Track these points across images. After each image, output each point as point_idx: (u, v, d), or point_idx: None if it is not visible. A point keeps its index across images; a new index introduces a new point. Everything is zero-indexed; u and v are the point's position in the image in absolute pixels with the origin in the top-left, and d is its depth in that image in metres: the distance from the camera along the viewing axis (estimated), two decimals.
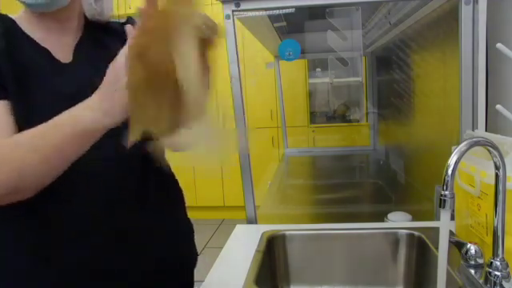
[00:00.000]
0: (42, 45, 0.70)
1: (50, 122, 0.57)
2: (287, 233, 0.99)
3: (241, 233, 1.07)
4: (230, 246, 0.98)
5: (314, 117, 3.68)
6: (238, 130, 1.14)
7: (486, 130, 0.98)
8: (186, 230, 0.88)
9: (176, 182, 0.87)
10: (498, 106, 0.87)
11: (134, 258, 0.72)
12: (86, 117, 0.56)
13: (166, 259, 0.78)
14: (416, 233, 0.93)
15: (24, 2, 0.67)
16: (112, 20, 0.83)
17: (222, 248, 0.96)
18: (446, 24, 1.21)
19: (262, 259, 0.87)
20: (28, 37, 0.69)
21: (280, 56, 1.36)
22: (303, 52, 2.48)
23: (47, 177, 0.59)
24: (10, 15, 0.71)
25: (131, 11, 3.37)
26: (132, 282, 0.72)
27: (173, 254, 0.80)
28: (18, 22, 0.70)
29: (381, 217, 1.15)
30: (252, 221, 1.14)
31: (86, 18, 0.78)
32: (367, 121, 2.80)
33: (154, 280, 0.76)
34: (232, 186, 3.69)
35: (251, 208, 1.15)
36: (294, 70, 3.52)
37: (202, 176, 3.59)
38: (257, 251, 0.90)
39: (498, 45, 0.85)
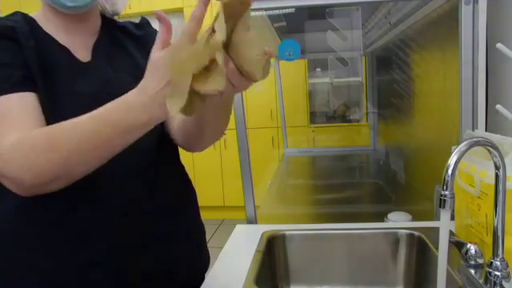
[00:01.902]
0: (62, 44, 0.71)
1: (100, 109, 0.58)
2: (287, 233, 0.99)
3: (241, 233, 1.07)
4: (230, 245, 0.98)
5: (314, 117, 3.68)
6: (238, 130, 1.14)
7: (486, 130, 0.98)
8: (198, 232, 0.87)
9: (189, 182, 0.88)
10: (498, 106, 0.87)
11: (145, 259, 0.72)
12: (137, 102, 0.58)
13: (178, 261, 0.78)
14: (416, 233, 0.93)
15: (60, 4, 0.68)
16: (125, 21, 0.84)
17: (222, 248, 0.96)
18: (446, 24, 1.21)
19: (262, 259, 0.87)
20: (49, 36, 0.70)
21: (280, 56, 1.36)
22: (303, 52, 2.48)
23: (90, 166, 0.60)
24: (31, 14, 0.73)
25: (131, 11, 3.37)
26: (143, 283, 0.72)
27: (185, 255, 0.80)
28: (37, 20, 0.71)
29: (381, 217, 1.15)
30: (252, 221, 1.14)
31: (102, 18, 0.78)
32: (367, 121, 2.80)
33: (166, 282, 0.76)
34: (232, 186, 3.69)
35: (251, 208, 1.15)
36: (294, 70, 3.52)
37: (202, 176, 3.60)
38: (257, 251, 0.90)
39: (498, 45, 0.85)
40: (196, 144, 0.79)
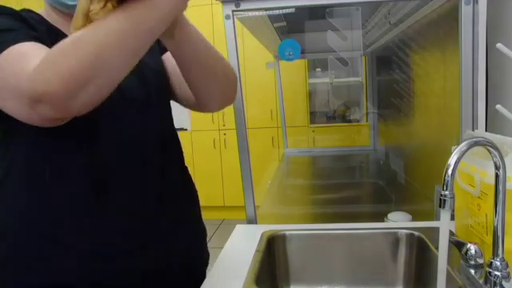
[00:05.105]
0: None
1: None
2: (287, 233, 0.99)
3: (241, 233, 1.07)
4: (230, 245, 0.98)
5: (313, 117, 3.68)
6: (238, 130, 1.14)
7: (486, 130, 0.98)
8: (199, 232, 0.88)
9: (192, 184, 0.89)
10: (498, 106, 0.87)
11: (145, 257, 0.73)
12: None
13: (178, 260, 0.79)
14: (416, 233, 0.93)
15: (61, 3, 0.69)
16: None
17: (222, 248, 0.96)
18: (446, 24, 1.21)
19: (262, 259, 0.87)
20: (57, 28, 0.71)
21: (280, 56, 1.36)
22: (303, 52, 2.48)
23: (118, 69, 0.56)
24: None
25: None
26: (143, 281, 0.73)
27: (185, 255, 0.81)
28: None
29: (381, 217, 1.15)
30: (252, 221, 1.14)
31: None
32: (367, 121, 2.80)
33: (165, 281, 0.76)
34: (232, 186, 3.69)
35: (251, 208, 1.15)
36: (294, 70, 3.52)
37: (202, 176, 3.60)
38: (257, 251, 0.90)
39: (498, 45, 0.85)
40: (203, 96, 0.78)
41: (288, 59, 1.36)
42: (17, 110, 0.58)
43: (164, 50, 0.83)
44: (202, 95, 0.78)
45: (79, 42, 0.53)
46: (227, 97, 0.81)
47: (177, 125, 0.87)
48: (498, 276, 0.62)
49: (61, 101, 0.52)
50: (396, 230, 0.96)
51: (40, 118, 0.55)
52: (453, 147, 0.64)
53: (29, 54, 0.58)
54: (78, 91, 0.52)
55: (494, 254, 0.63)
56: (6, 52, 0.58)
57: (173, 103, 0.87)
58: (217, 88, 0.78)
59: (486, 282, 0.64)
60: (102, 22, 0.54)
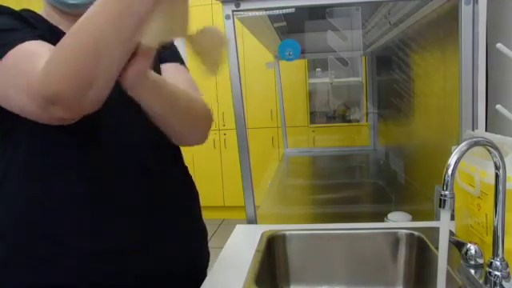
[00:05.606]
0: None
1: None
2: (287, 233, 0.99)
3: (241, 233, 1.07)
4: (230, 246, 0.98)
5: (313, 117, 3.68)
6: (238, 130, 1.14)
7: (486, 130, 0.98)
8: (199, 232, 0.88)
9: (192, 183, 0.89)
10: (498, 106, 0.87)
11: (145, 258, 0.73)
12: None
13: (178, 261, 0.79)
14: (416, 233, 0.93)
15: (62, 2, 0.69)
16: None
17: (222, 248, 0.96)
18: (446, 24, 1.21)
19: (262, 259, 0.87)
20: (58, 28, 0.71)
21: (280, 56, 1.36)
22: (303, 52, 2.48)
23: (114, 65, 0.54)
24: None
25: None
26: (143, 282, 0.73)
27: (185, 256, 0.81)
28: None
29: (381, 217, 1.15)
30: (252, 221, 1.14)
31: None
32: (367, 121, 2.80)
33: (166, 282, 0.76)
34: (232, 186, 3.69)
35: (251, 208, 1.15)
36: (294, 70, 3.52)
37: (202, 176, 3.60)
38: (257, 251, 0.90)
39: (498, 45, 0.85)
40: (174, 137, 0.77)
41: (288, 59, 1.36)
42: (26, 109, 0.59)
43: (163, 61, 0.82)
44: (174, 136, 0.77)
45: (78, 40, 0.53)
46: (200, 136, 0.81)
47: None
48: (498, 276, 0.62)
49: (73, 101, 0.54)
50: (396, 230, 0.96)
51: (49, 118, 0.57)
52: (453, 147, 0.64)
53: (37, 52, 0.58)
54: (87, 89, 0.53)
55: (493, 254, 0.63)
56: (14, 50, 0.59)
57: None
58: (187, 132, 0.77)
59: (485, 282, 0.64)
60: (93, 10, 0.53)
